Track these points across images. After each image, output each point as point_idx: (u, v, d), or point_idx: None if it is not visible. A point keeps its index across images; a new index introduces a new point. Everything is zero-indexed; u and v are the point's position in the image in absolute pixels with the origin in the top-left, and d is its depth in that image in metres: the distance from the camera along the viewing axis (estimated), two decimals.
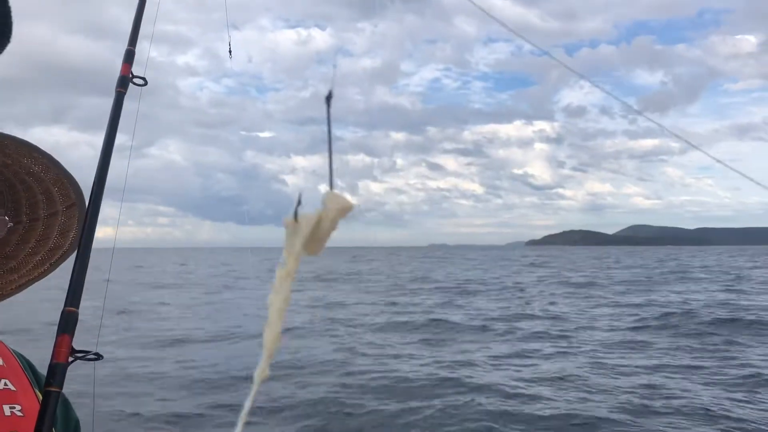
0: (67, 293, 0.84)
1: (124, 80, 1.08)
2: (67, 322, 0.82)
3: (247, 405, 0.46)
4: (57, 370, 0.79)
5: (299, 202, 0.50)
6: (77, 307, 0.83)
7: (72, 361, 0.80)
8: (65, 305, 0.83)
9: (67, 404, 1.03)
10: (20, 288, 1.03)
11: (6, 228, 0.92)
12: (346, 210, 0.51)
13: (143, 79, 1.10)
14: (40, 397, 0.93)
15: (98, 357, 0.82)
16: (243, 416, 0.46)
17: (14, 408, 0.89)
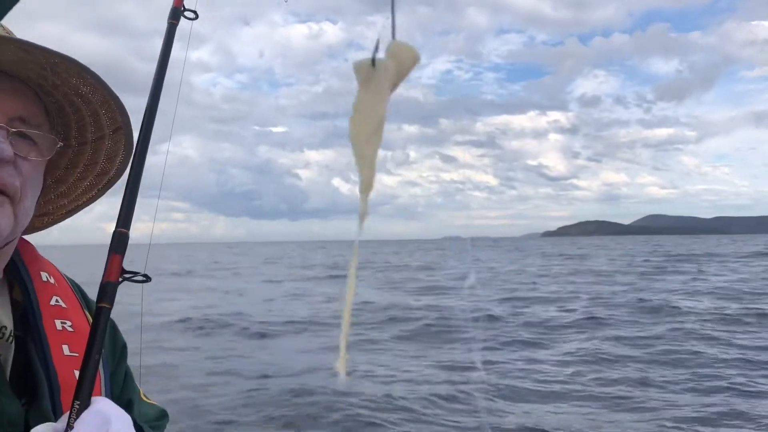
0: (119, 215, 0.85)
1: (176, 12, 1.06)
2: (119, 243, 0.83)
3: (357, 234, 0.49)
4: (108, 289, 0.80)
5: (377, 49, 0.52)
6: (128, 229, 0.85)
7: (122, 281, 0.82)
8: (116, 227, 0.84)
9: (115, 329, 1.06)
10: (69, 213, 1.06)
11: (56, 147, 0.91)
12: (412, 58, 0.53)
13: (194, 12, 1.07)
14: (89, 318, 0.96)
15: (147, 279, 0.84)
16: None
17: (65, 323, 0.92)
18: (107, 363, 0.97)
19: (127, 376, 1.06)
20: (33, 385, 0.84)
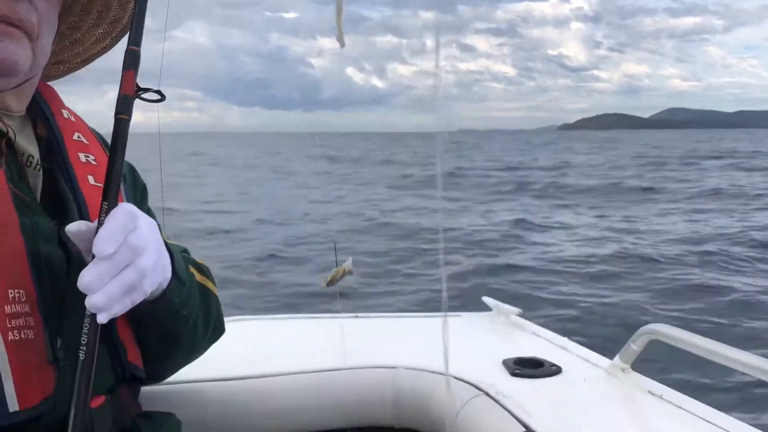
0: (129, 34, 0.85)
1: None
2: (131, 60, 0.83)
3: None
4: (125, 101, 0.81)
5: None
6: (139, 47, 0.84)
7: (136, 96, 0.82)
8: (128, 45, 0.84)
9: (134, 172, 1.09)
10: (84, 62, 1.08)
11: None
12: None
13: None
14: None
15: (162, 97, 0.83)
16: None
17: (89, 156, 0.95)
18: (129, 201, 0.99)
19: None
20: (63, 210, 0.88)
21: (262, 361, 1.48)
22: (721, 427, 1.14)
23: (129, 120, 0.82)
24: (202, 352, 1.10)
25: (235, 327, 1.71)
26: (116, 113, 0.81)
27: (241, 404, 1.37)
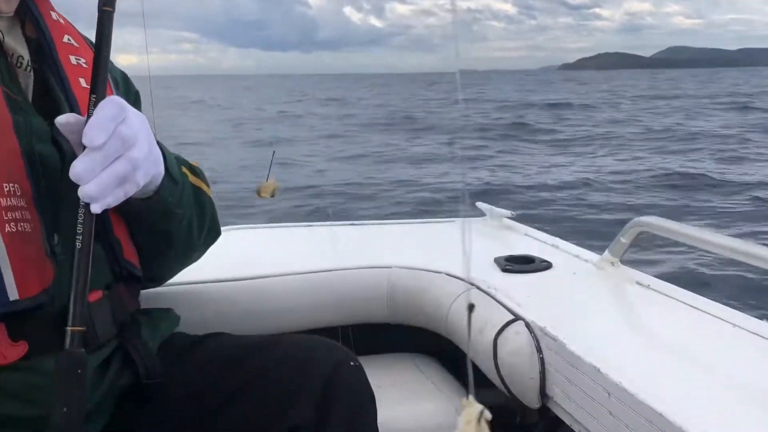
0: None
1: None
2: None
3: None
4: None
5: None
6: None
7: None
8: None
9: (126, 78, 1.09)
10: None
11: None
12: None
13: None
14: None
15: None
16: None
17: (79, 59, 0.95)
18: None
19: None
20: (54, 111, 0.87)
21: (258, 264, 1.51)
22: (706, 311, 1.17)
23: (113, 12, 0.80)
24: (199, 255, 1.11)
25: (232, 235, 1.73)
26: (100, 5, 0.79)
27: (238, 303, 1.41)
